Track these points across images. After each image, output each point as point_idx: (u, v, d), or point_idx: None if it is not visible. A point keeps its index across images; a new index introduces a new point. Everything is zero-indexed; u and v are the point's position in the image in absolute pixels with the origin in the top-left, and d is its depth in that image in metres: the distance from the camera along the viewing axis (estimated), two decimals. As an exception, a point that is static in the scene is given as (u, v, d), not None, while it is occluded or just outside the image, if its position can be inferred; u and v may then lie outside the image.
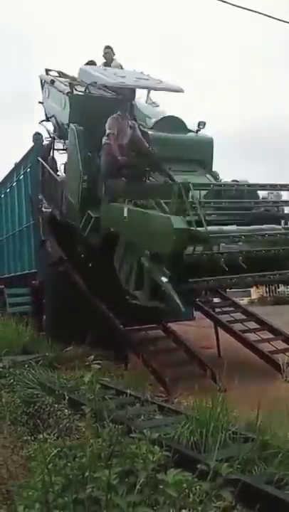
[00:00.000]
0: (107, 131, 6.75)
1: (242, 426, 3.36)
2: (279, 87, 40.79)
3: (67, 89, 7.70)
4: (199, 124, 7.67)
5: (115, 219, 6.28)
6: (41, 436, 3.51)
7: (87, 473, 2.08)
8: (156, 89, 7.73)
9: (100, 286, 7.14)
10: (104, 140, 6.77)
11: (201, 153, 7.56)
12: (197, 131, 7.69)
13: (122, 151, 6.74)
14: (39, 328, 8.72)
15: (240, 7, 6.51)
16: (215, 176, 7.50)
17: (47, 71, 9.26)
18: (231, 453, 2.83)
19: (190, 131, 7.76)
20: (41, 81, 9.20)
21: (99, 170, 6.97)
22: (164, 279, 5.05)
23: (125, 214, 5.95)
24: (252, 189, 6.57)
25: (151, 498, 1.90)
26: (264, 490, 2.36)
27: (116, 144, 6.72)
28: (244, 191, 6.42)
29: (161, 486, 1.98)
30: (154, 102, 8.59)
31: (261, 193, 7.03)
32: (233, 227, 5.81)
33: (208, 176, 7.42)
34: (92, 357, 3.97)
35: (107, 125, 6.80)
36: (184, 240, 5.01)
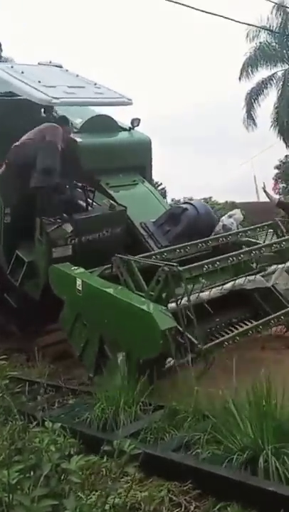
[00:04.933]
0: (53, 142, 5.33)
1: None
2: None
3: None
4: (133, 121, 6.70)
5: (64, 287, 4.82)
6: None
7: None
8: (97, 104, 6.19)
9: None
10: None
11: (138, 157, 6.66)
12: (130, 129, 6.74)
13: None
14: None
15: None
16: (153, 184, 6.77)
17: None
18: (142, 425, 2.88)
19: (123, 129, 6.72)
20: None
21: (23, 198, 5.50)
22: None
23: (79, 287, 4.55)
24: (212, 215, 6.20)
25: (58, 488, 1.85)
26: (167, 458, 2.45)
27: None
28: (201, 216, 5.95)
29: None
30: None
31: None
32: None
33: (148, 186, 6.59)
34: (-4, 354, 3.81)
35: (49, 134, 5.37)
36: (170, 339, 3.85)
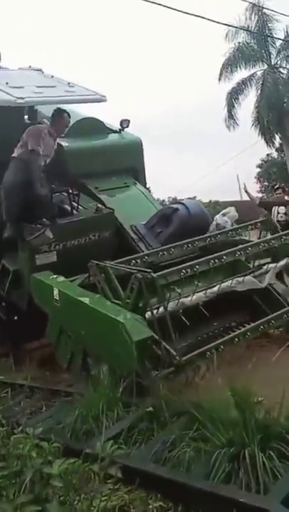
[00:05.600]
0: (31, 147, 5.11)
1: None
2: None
3: None
4: (122, 122, 6.51)
5: (44, 297, 4.62)
6: None
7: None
8: (68, 102, 5.89)
9: None
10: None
11: (129, 158, 6.45)
12: (120, 130, 6.54)
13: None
14: None
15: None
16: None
17: None
18: (124, 425, 2.86)
19: (112, 131, 6.54)
20: None
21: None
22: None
23: (56, 296, 4.34)
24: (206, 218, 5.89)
25: (42, 494, 1.83)
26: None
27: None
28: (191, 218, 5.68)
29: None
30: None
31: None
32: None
33: (140, 188, 6.38)
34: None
35: (30, 140, 5.15)
36: (146, 348, 3.62)
